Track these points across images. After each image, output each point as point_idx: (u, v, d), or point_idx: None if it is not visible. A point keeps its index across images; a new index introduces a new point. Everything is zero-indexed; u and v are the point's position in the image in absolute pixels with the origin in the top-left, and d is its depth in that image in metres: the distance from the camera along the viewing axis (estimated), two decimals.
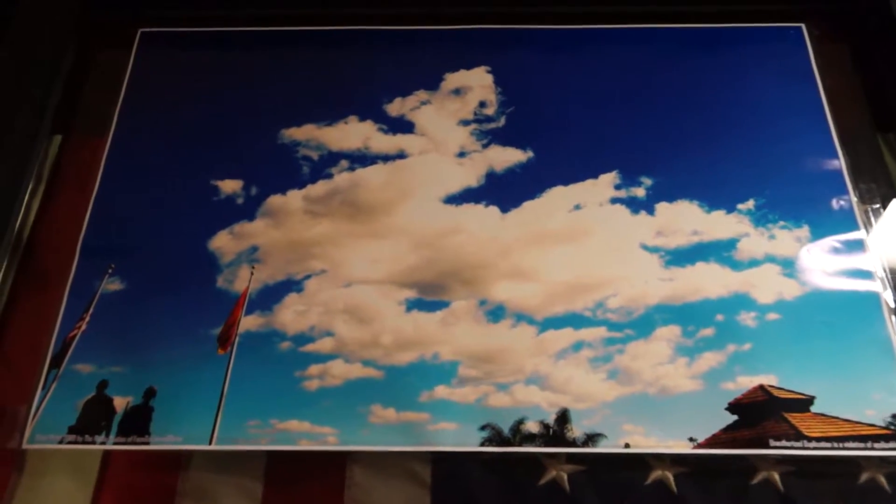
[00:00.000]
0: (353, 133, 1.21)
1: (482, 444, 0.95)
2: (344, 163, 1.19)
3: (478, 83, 1.26)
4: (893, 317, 1.02)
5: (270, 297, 1.07)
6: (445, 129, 1.22)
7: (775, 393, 0.97)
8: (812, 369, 0.99)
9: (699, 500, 0.94)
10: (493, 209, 1.14)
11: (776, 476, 0.94)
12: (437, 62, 1.28)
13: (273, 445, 0.96)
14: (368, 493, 0.96)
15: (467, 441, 0.95)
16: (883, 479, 0.94)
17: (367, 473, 0.97)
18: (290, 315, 1.05)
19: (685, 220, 1.12)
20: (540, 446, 0.95)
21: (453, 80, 1.26)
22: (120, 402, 0.99)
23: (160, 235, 1.12)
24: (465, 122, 1.22)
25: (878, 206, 1.12)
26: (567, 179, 1.15)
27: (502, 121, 1.22)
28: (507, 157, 1.18)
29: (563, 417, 0.97)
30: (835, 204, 1.12)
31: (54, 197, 1.18)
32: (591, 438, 0.95)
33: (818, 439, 0.93)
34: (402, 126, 1.22)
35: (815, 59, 1.26)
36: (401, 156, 1.19)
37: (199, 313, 1.05)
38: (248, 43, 1.32)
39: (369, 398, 0.98)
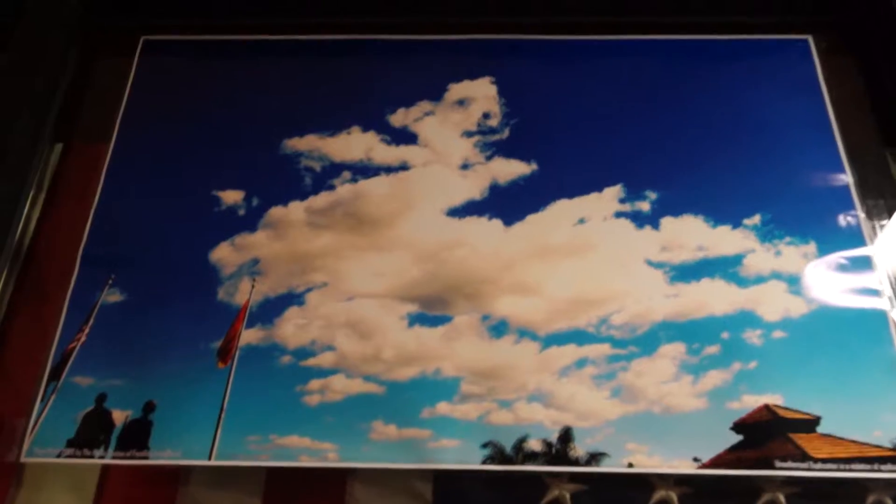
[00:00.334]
0: (355, 144, 1.20)
1: (484, 462, 0.95)
2: (346, 174, 1.18)
3: (482, 94, 1.25)
4: None
5: (271, 310, 1.06)
6: (449, 140, 1.21)
7: (781, 413, 0.96)
8: (818, 389, 0.98)
9: None
10: (497, 222, 1.13)
11: (781, 498, 0.93)
12: (440, 72, 1.27)
13: (273, 461, 0.95)
14: None
15: (469, 459, 0.95)
16: (890, 503, 0.92)
17: (368, 491, 0.96)
18: (291, 329, 1.04)
19: (690, 235, 1.11)
20: (542, 465, 0.94)
21: (457, 90, 1.25)
22: (119, 416, 0.98)
23: (161, 246, 1.11)
24: (469, 134, 1.21)
25: (885, 222, 1.11)
26: (571, 193, 1.15)
27: (506, 132, 1.21)
28: (511, 169, 1.17)
29: (566, 436, 0.96)
30: (842, 220, 1.11)
31: (54, 206, 1.18)
32: (594, 457, 0.94)
33: (824, 461, 0.92)
34: (405, 137, 1.21)
35: (822, 71, 1.25)
36: (404, 167, 1.19)
37: (199, 326, 1.04)
38: (250, 52, 1.31)
39: (370, 414, 0.97)
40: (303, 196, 1.15)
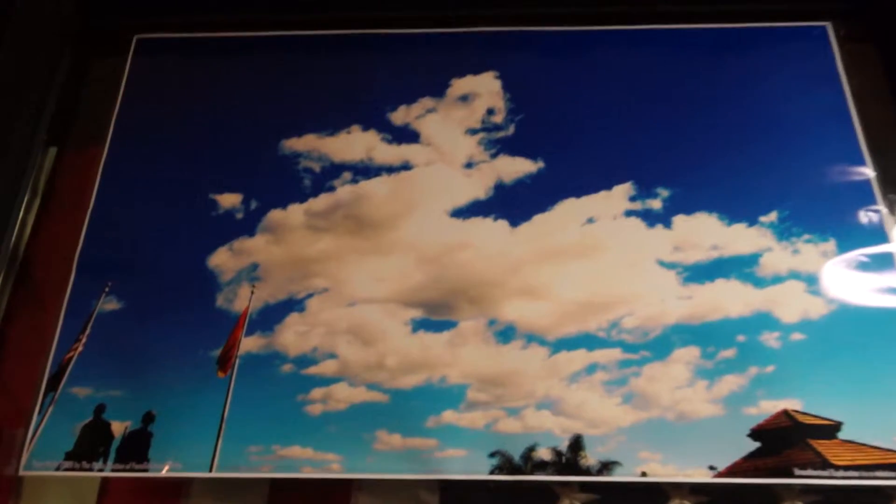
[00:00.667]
0: (355, 143, 1.17)
1: (492, 472, 0.92)
2: (347, 175, 1.15)
3: (485, 89, 1.21)
4: None
5: (271, 316, 1.04)
6: (452, 138, 1.17)
7: (800, 418, 0.93)
8: (839, 393, 0.94)
9: None
10: (502, 223, 1.10)
11: None
12: (442, 67, 1.23)
13: (275, 473, 0.93)
14: None
15: (476, 468, 0.92)
16: None
17: (373, 502, 0.94)
18: (292, 336, 1.02)
19: (704, 233, 1.07)
20: (552, 474, 0.92)
21: (460, 86, 1.22)
22: (118, 427, 0.96)
23: (158, 252, 1.09)
24: (473, 131, 1.18)
25: None
26: (579, 191, 1.11)
27: (511, 129, 1.18)
28: (517, 167, 1.14)
29: (577, 444, 0.93)
30: (863, 216, 1.07)
31: (50, 212, 1.16)
32: (606, 466, 0.92)
33: (846, 468, 0.89)
34: (407, 135, 1.18)
35: (841, 60, 1.20)
36: (405, 167, 1.15)
37: (198, 334, 1.02)
38: (246, 49, 1.28)
39: (374, 423, 0.95)
40: (302, 198, 1.13)
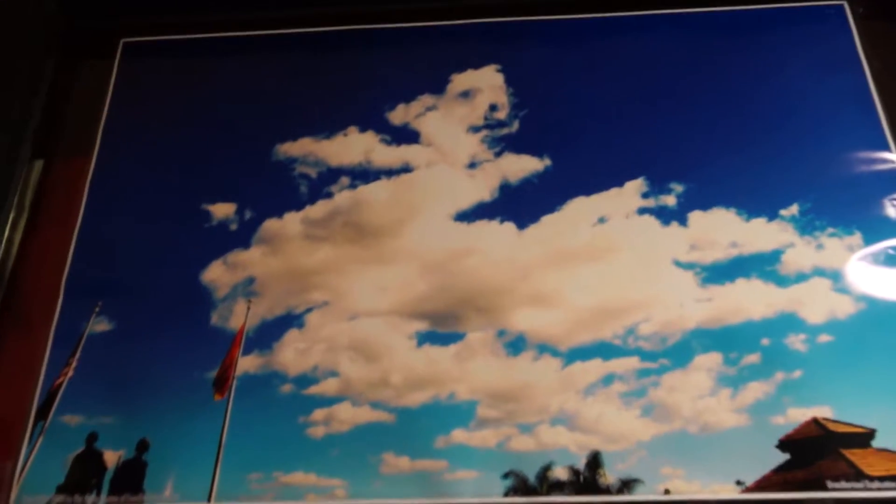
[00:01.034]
0: (353, 146, 1.12)
1: (506, 494, 0.88)
2: (344, 179, 1.10)
3: (487, 84, 1.16)
4: None
5: (269, 333, 0.99)
6: (454, 137, 1.13)
7: (831, 427, 0.89)
8: (871, 398, 0.90)
9: None
10: (509, 225, 1.05)
11: None
12: (441, 62, 1.18)
13: (278, 501, 0.88)
14: None
15: (489, 491, 0.88)
16: None
17: None
18: (291, 354, 0.97)
19: (722, 230, 1.02)
20: (570, 495, 0.88)
21: (460, 81, 1.17)
22: (111, 457, 0.92)
23: (149, 268, 1.05)
24: (475, 129, 1.13)
25: None
26: (589, 189, 1.07)
27: (515, 125, 1.13)
28: (523, 165, 1.09)
29: (595, 461, 0.89)
30: (889, 206, 1.02)
31: (37, 229, 1.10)
32: (627, 484, 0.88)
33: (882, 479, 0.85)
34: (407, 136, 1.13)
35: (860, 40, 1.15)
36: (406, 169, 1.11)
37: (192, 354, 0.98)
38: (235, 50, 1.23)
39: (380, 445, 0.91)
40: (298, 206, 1.08)
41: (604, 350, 0.95)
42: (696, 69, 1.15)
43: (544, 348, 0.96)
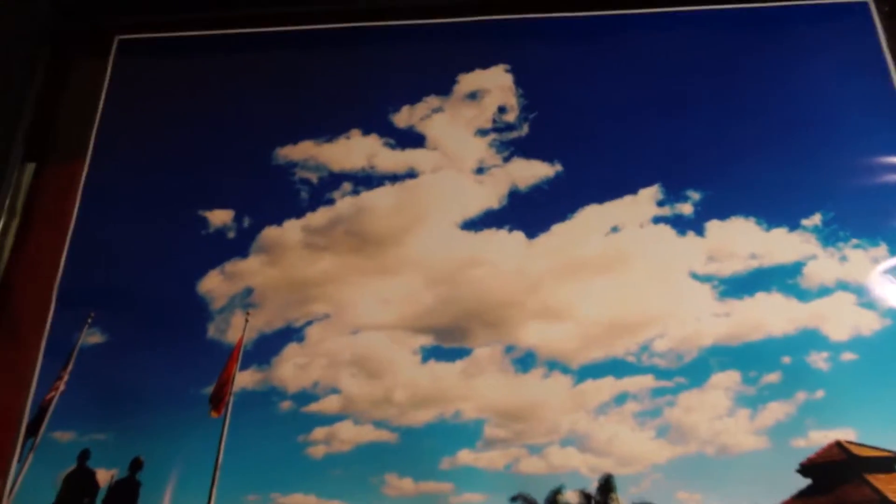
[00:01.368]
0: (356, 150, 1.09)
1: None
2: (347, 185, 1.07)
3: (495, 85, 1.13)
4: None
5: (268, 348, 0.97)
6: (461, 140, 1.10)
7: (855, 450, 0.86)
8: None
9: None
10: (518, 235, 1.02)
11: None
12: (448, 62, 1.15)
13: None
14: None
15: None
16: None
17: None
18: (291, 369, 0.95)
19: (741, 241, 1.00)
20: None
21: (468, 82, 1.13)
22: (103, 476, 0.90)
23: (143, 278, 1.02)
24: (483, 132, 1.10)
25: None
26: (602, 196, 1.04)
27: (525, 128, 1.10)
28: (532, 171, 1.06)
29: (607, 485, 0.87)
30: None
31: (29, 234, 1.07)
32: None
33: None
34: (412, 139, 1.10)
35: (886, 40, 1.11)
36: (411, 175, 1.07)
37: (188, 369, 0.96)
38: (233, 48, 1.19)
39: (383, 466, 0.89)
40: (299, 213, 1.05)
41: (617, 367, 0.93)
42: (714, 70, 1.11)
43: (554, 365, 0.94)
